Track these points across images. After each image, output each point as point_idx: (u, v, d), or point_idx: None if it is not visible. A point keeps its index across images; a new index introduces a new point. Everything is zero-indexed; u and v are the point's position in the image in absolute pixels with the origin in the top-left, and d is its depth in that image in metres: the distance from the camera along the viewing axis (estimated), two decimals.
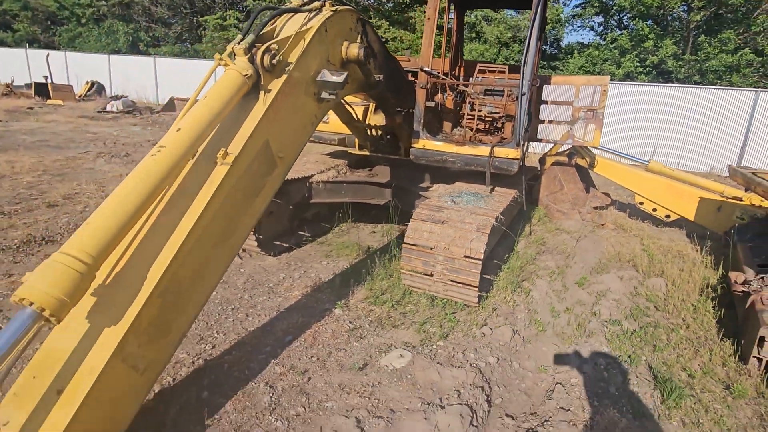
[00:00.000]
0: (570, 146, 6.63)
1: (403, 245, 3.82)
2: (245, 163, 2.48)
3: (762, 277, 3.68)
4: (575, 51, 17.05)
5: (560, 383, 2.89)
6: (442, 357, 3.06)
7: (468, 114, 5.57)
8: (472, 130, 5.40)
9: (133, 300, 1.98)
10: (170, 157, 2.13)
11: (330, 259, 4.84)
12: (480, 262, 3.55)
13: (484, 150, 4.50)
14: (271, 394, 2.61)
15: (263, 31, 2.66)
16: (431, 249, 3.71)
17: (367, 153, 5.50)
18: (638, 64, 14.04)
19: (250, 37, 2.54)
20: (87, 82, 19.16)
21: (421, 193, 5.21)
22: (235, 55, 2.54)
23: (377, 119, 5.32)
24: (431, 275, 3.79)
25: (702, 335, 3.71)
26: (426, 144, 4.67)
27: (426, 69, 4.60)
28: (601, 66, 15.25)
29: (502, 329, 3.45)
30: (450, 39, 6.44)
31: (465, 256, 3.59)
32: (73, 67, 21.85)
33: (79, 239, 1.81)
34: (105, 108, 15.57)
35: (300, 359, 2.96)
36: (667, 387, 2.84)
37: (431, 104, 4.64)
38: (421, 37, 17.51)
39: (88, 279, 1.76)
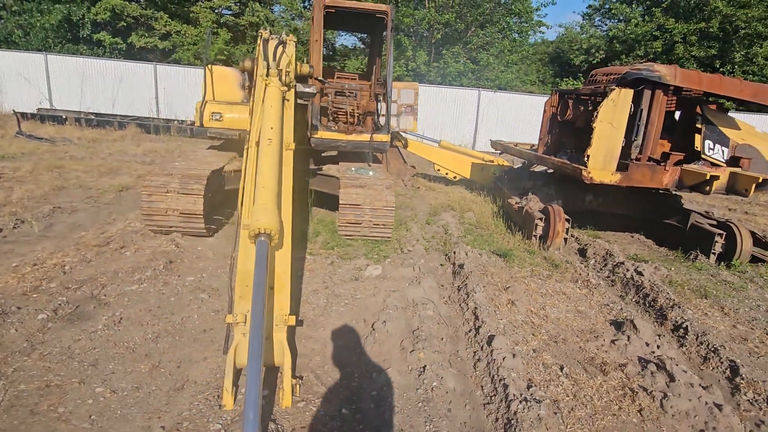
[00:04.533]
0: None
1: (340, 205, 5.38)
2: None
3: (525, 198, 6.71)
4: (350, 54, 20.25)
5: (460, 264, 5.07)
6: (396, 265, 4.88)
7: (339, 111, 7.29)
8: (344, 123, 7.14)
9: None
10: (276, 142, 3.32)
11: None
12: (394, 208, 5.45)
13: (366, 137, 6.35)
14: (327, 297, 3.96)
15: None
16: (360, 205, 5.40)
17: None
18: (404, 68, 18.04)
19: (274, 63, 3.78)
20: None
21: (318, 173, 6.70)
22: (269, 74, 3.73)
23: None
24: (360, 223, 5.49)
25: (504, 234, 6.54)
26: (323, 134, 6.22)
27: (319, 78, 6.12)
28: None
29: (416, 247, 5.47)
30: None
31: (384, 207, 5.42)
32: None
33: (259, 193, 2.95)
34: None
35: (323, 281, 4.32)
36: (507, 255, 5.36)
37: (324, 104, 6.20)
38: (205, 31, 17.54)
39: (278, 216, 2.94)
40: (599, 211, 6.84)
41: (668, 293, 4.50)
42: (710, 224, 6.06)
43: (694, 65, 19.27)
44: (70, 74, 15.93)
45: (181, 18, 20.07)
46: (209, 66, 6.56)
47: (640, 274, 5.00)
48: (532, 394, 2.79)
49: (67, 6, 18.60)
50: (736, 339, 3.91)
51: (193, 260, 4.79)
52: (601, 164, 5.25)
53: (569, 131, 6.33)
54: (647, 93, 5.08)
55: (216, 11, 20.99)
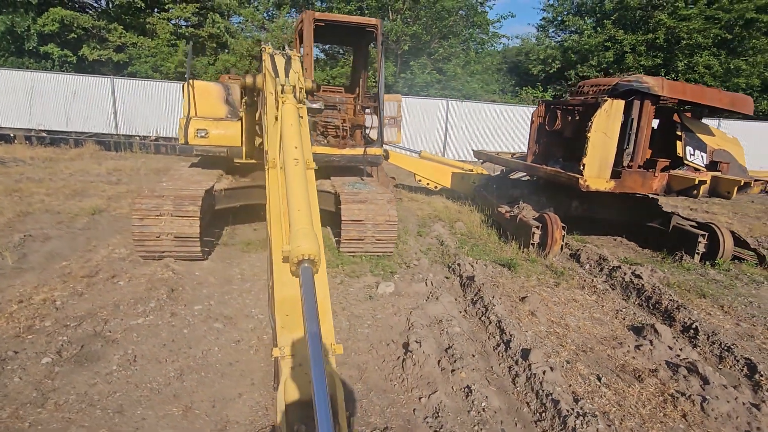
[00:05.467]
0: None
1: (343, 222, 5.26)
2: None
3: (516, 206, 6.82)
4: (315, 66, 20.16)
5: (468, 276, 5.06)
6: (407, 281, 4.81)
7: (329, 125, 7.16)
8: (334, 137, 7.02)
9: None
10: (302, 162, 3.18)
11: (255, 253, 5.69)
12: (396, 223, 5.39)
13: (359, 150, 6.27)
14: (348, 319, 3.83)
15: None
16: (362, 220, 5.31)
17: (254, 161, 6.41)
18: (371, 79, 18.11)
19: (287, 80, 3.65)
20: None
21: None
22: (284, 91, 3.60)
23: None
24: (363, 239, 5.38)
25: (498, 243, 6.61)
26: (316, 149, 6.08)
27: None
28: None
29: (422, 261, 5.42)
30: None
31: (386, 221, 5.35)
32: None
33: (295, 216, 2.81)
34: None
35: (339, 302, 4.18)
36: (513, 265, 5.41)
37: (313, 118, 6.08)
38: (165, 44, 17.02)
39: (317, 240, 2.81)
40: (584, 216, 7.07)
41: (671, 295, 4.68)
42: (692, 226, 6.39)
43: (642, 73, 20.51)
44: (17, 89, 14.86)
45: (137, 29, 19.25)
46: (190, 81, 6.30)
47: (639, 277, 5.18)
48: (582, 408, 2.79)
49: (10, 17, 17.42)
50: (744, 336, 4.11)
51: (195, 287, 4.52)
52: (596, 172, 5.42)
53: (558, 141, 6.52)
54: (637, 103, 5.32)
55: (173, 22, 20.31)
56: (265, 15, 21.26)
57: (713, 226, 6.09)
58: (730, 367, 3.62)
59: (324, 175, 6.82)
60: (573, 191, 6.54)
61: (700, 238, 5.99)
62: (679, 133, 5.90)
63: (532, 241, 6.02)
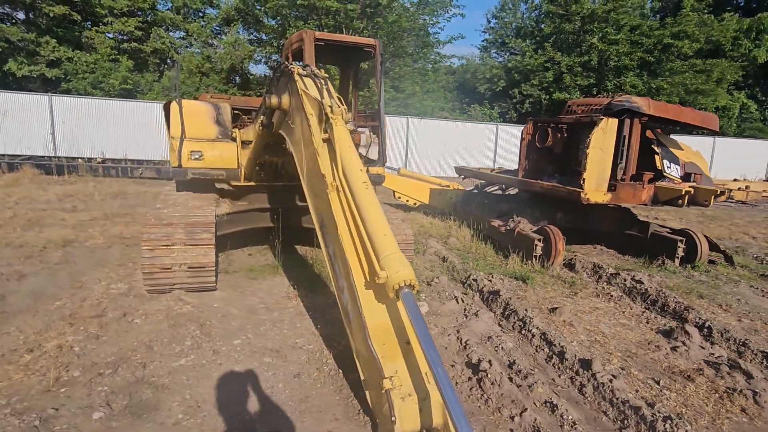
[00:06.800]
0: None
1: None
2: None
3: (511, 220, 7.07)
4: (265, 83, 19.87)
5: (491, 291, 5.16)
6: (437, 299, 4.82)
7: None
8: None
9: None
10: (369, 184, 3.13)
11: (264, 279, 5.43)
12: (413, 240, 5.39)
13: None
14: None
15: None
16: None
17: (253, 183, 6.15)
18: None
19: (331, 100, 3.59)
20: None
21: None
22: (334, 112, 3.52)
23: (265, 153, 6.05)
24: None
25: (496, 257, 6.80)
26: None
27: None
28: None
29: (441, 279, 5.44)
30: None
31: (404, 241, 5.34)
32: None
33: (381, 242, 2.74)
34: None
35: None
36: (527, 278, 5.58)
37: None
38: (105, 59, 16.14)
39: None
40: (567, 227, 7.48)
41: (675, 297, 5.06)
42: (668, 232, 6.97)
43: (578, 92, 22.20)
44: None
45: (72, 43, 17.89)
46: (177, 100, 6.00)
47: (640, 282, 5.55)
48: (659, 412, 2.94)
49: None
50: (750, 331, 4.52)
51: (221, 320, 4.22)
52: (594, 186, 5.78)
53: (549, 157, 6.88)
54: (628, 121, 5.77)
55: (110, 36, 19.10)
56: (213, 30, 20.62)
57: (689, 231, 6.68)
58: (750, 361, 3.97)
59: None
60: (561, 204, 6.91)
61: (679, 243, 6.54)
62: (656, 148, 6.45)
63: (534, 254, 6.26)
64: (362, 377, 2.84)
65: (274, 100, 4.23)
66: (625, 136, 5.78)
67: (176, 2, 20.61)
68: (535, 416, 2.86)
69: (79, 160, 13.67)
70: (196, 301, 4.61)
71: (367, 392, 2.78)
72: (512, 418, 2.89)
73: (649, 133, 6.70)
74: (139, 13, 19.30)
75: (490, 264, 6.46)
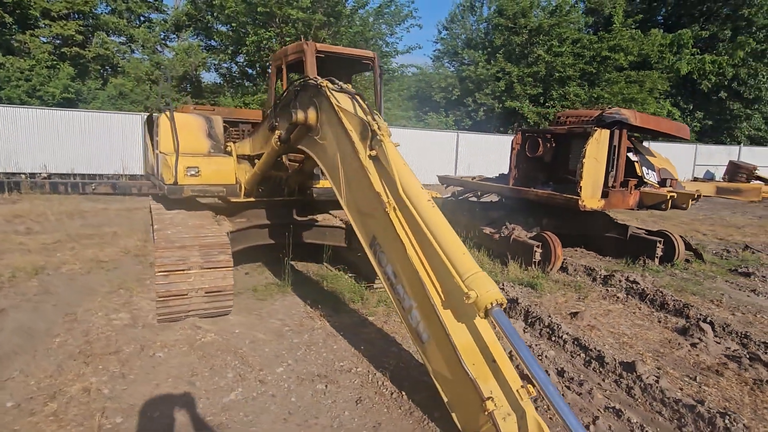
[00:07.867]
0: None
1: None
2: None
3: (505, 227, 7.27)
4: (219, 91, 19.17)
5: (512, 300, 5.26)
6: None
7: None
8: None
9: None
10: (433, 201, 3.11)
11: (274, 300, 5.21)
12: None
13: None
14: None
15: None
16: None
17: (253, 199, 5.89)
18: None
19: (374, 116, 3.54)
20: None
21: (315, 224, 6.18)
22: (381, 128, 3.46)
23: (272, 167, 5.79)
24: None
25: (493, 264, 6.96)
26: (325, 183, 5.84)
27: None
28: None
29: None
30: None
31: None
32: None
33: (462, 261, 2.74)
34: None
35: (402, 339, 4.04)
36: (536, 285, 5.74)
37: None
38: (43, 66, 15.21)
39: None
40: (555, 232, 7.81)
41: (672, 296, 5.42)
42: (645, 234, 7.47)
43: (527, 101, 23.33)
44: None
45: (3, 48, 16.28)
46: (168, 113, 5.67)
47: (635, 282, 5.90)
48: (708, 407, 3.13)
49: None
50: (746, 324, 4.93)
51: (252, 347, 3.99)
52: (590, 193, 6.09)
53: (539, 166, 7.15)
54: (617, 132, 6.14)
55: (44, 40, 17.58)
56: (161, 35, 19.60)
57: (666, 232, 7.20)
58: (764, 352, 4.32)
59: (321, 210, 6.54)
60: (550, 210, 7.20)
61: (658, 244, 7.03)
62: (633, 155, 6.91)
63: (534, 260, 6.47)
64: (445, 399, 2.79)
65: (300, 115, 4.08)
66: (615, 146, 6.14)
67: (119, 6, 19.40)
68: (608, 423, 2.95)
69: (21, 176, 12.43)
70: (216, 327, 4.34)
71: (453, 414, 2.74)
72: (587, 426, 2.95)
73: (626, 142, 7.17)
74: (78, 16, 17.95)
75: (490, 272, 6.59)
